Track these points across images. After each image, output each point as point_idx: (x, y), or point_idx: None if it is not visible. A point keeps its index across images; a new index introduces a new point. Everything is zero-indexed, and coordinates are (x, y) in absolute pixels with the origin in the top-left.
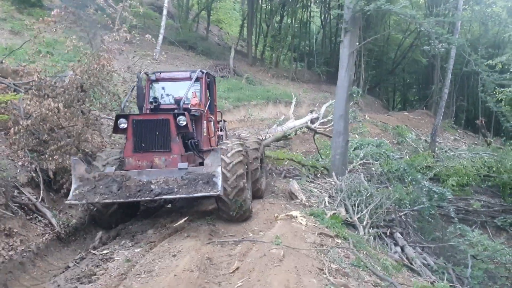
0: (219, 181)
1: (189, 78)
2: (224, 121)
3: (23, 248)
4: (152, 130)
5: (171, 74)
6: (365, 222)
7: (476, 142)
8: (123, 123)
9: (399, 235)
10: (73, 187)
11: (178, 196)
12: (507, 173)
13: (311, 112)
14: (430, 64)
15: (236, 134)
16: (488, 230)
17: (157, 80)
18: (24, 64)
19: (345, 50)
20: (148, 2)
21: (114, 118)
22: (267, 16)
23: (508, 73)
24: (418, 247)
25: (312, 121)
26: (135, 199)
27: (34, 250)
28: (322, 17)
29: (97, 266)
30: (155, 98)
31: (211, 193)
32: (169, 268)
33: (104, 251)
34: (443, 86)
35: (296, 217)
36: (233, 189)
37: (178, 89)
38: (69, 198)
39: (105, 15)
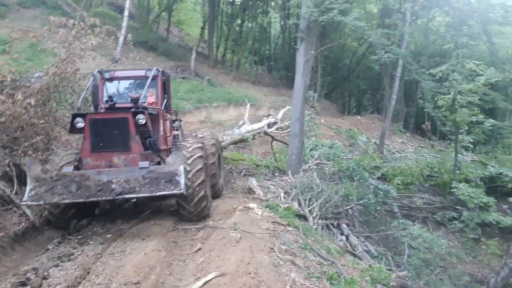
0: (181, 179)
1: (144, 77)
2: (180, 120)
3: (2, 234)
4: (110, 129)
5: (125, 73)
6: (314, 214)
7: (422, 145)
8: (80, 122)
9: (345, 226)
10: (28, 187)
11: (140, 195)
12: (447, 173)
13: (268, 116)
14: (381, 71)
15: (193, 134)
16: (429, 225)
17: (111, 79)
18: None
19: (300, 58)
20: (108, 1)
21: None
22: (228, 19)
23: (447, 81)
24: (361, 237)
25: (270, 125)
26: (96, 199)
27: (12, 236)
28: (282, 22)
29: (74, 248)
30: (110, 97)
31: (174, 192)
32: (140, 249)
33: (79, 236)
34: (391, 92)
35: (253, 208)
36: (193, 183)
37: (133, 88)
38: (24, 199)
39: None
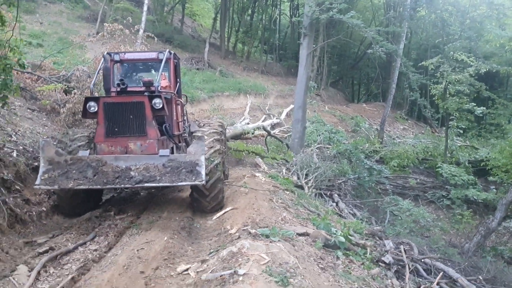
0: (202, 170)
1: (156, 59)
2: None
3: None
4: (125, 113)
5: (136, 55)
6: (310, 184)
7: (423, 132)
8: (93, 107)
9: (336, 195)
10: (41, 170)
11: (160, 184)
12: (439, 157)
13: (269, 115)
14: (388, 61)
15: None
16: (420, 203)
17: (121, 61)
18: (45, 61)
19: (303, 51)
20: None
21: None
22: (239, 11)
23: (438, 72)
24: (350, 205)
25: (273, 126)
26: (113, 186)
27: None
28: (291, 12)
29: (99, 224)
30: (122, 80)
31: (196, 183)
32: (174, 203)
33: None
34: (392, 81)
35: (258, 176)
36: (211, 177)
37: (144, 71)
38: (37, 182)
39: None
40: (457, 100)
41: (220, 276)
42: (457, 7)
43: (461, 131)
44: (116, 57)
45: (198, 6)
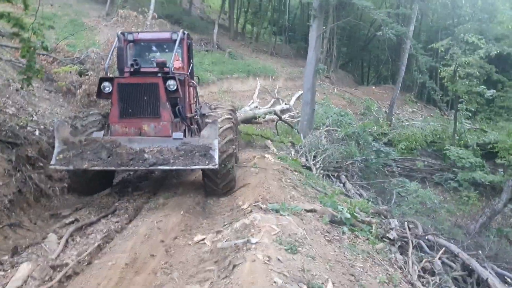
0: (216, 154)
1: (170, 39)
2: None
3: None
4: (139, 94)
5: (150, 35)
6: (317, 166)
7: (432, 115)
8: (107, 87)
9: (343, 176)
10: (56, 150)
11: (174, 167)
12: (448, 139)
13: (277, 100)
14: (398, 43)
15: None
16: (427, 185)
17: (134, 41)
18: (59, 43)
19: (313, 33)
20: None
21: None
22: None
23: (448, 54)
24: (357, 186)
25: (283, 111)
26: (127, 167)
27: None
28: None
29: (118, 200)
30: (135, 60)
31: (209, 167)
32: (188, 181)
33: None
34: (401, 64)
35: (268, 157)
36: (222, 153)
37: (158, 51)
38: (52, 162)
39: None
40: (467, 82)
41: (235, 244)
42: None
43: (470, 114)
44: (130, 37)
45: None
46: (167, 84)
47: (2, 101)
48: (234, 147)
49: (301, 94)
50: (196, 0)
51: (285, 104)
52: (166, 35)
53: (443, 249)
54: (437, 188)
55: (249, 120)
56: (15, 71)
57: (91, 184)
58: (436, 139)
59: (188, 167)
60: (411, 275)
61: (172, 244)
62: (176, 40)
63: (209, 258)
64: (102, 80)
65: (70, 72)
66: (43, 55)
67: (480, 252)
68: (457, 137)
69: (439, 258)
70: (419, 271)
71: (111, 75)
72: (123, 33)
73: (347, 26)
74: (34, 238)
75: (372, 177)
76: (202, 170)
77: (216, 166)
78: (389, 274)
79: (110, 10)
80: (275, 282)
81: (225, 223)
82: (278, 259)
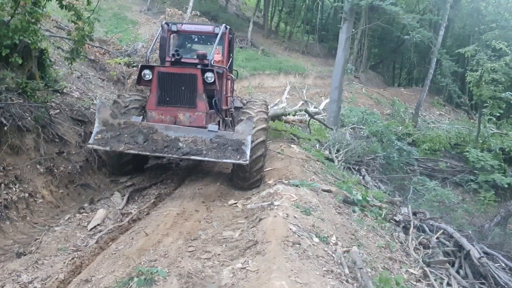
0: (248, 150)
1: (212, 33)
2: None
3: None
4: (177, 84)
5: (193, 27)
6: (340, 158)
7: (459, 118)
8: (148, 75)
9: (363, 169)
10: (95, 130)
11: (206, 159)
12: (472, 142)
13: (305, 102)
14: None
15: (239, 96)
16: (448, 185)
17: (178, 32)
18: (109, 37)
19: (343, 35)
20: None
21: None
22: None
23: (474, 60)
24: (376, 179)
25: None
26: (161, 154)
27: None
28: None
29: (164, 172)
30: (177, 50)
31: (240, 161)
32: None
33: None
34: (430, 67)
35: (293, 147)
36: (253, 153)
37: (199, 43)
38: (90, 141)
39: None
40: (492, 88)
41: (261, 205)
42: None
43: (494, 119)
44: (174, 28)
45: None
46: (205, 76)
47: (68, 87)
48: (264, 149)
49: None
50: None
51: (314, 107)
52: (209, 28)
53: (441, 230)
54: (457, 189)
55: (278, 117)
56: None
57: (124, 166)
58: (460, 142)
59: (219, 160)
60: (408, 247)
61: (211, 205)
62: (218, 33)
63: (240, 215)
64: (143, 67)
65: (120, 64)
66: (97, 47)
67: (469, 232)
68: (481, 141)
69: (437, 238)
70: (415, 245)
71: (152, 64)
72: (167, 23)
73: (378, 28)
74: (104, 194)
75: (392, 174)
76: (232, 165)
77: (247, 162)
78: (387, 243)
79: (151, 5)
80: (290, 229)
81: (253, 192)
82: (295, 217)
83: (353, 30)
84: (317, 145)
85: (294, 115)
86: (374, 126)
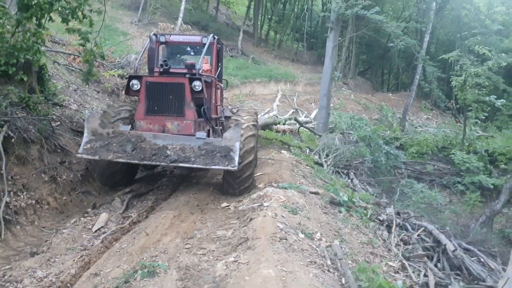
0: (236, 156)
1: (200, 43)
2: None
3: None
4: (165, 93)
5: (181, 38)
6: (329, 162)
7: (447, 122)
8: (136, 85)
9: (352, 173)
10: (84, 140)
11: (194, 165)
12: (458, 145)
13: (296, 111)
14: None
15: (230, 105)
16: (435, 187)
17: (166, 43)
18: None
19: (329, 44)
20: None
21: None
22: (271, 2)
23: (458, 65)
24: (364, 182)
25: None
26: (149, 162)
27: None
28: (323, 1)
29: (160, 179)
30: (165, 61)
31: (228, 168)
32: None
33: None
34: (416, 72)
35: (283, 152)
36: (243, 160)
37: (188, 53)
38: (80, 151)
39: None
40: (476, 92)
41: (252, 207)
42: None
43: (479, 122)
44: (162, 39)
45: None
46: (193, 84)
47: (67, 100)
48: (253, 155)
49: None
50: (222, 7)
51: (305, 116)
52: (197, 38)
53: (422, 228)
54: (445, 190)
55: (269, 126)
56: (70, 74)
57: (114, 177)
58: (447, 145)
59: (208, 167)
60: (390, 244)
61: (205, 208)
62: (206, 43)
63: (232, 216)
64: (131, 77)
65: (114, 76)
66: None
67: (447, 228)
68: (467, 144)
69: (418, 235)
70: (397, 242)
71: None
72: (155, 35)
73: (366, 35)
74: (106, 199)
75: (380, 177)
76: (223, 172)
77: (236, 168)
78: (370, 239)
79: (142, 16)
80: (278, 227)
81: (245, 195)
82: (282, 216)
83: (340, 38)
84: (307, 151)
85: (284, 124)
86: (362, 131)
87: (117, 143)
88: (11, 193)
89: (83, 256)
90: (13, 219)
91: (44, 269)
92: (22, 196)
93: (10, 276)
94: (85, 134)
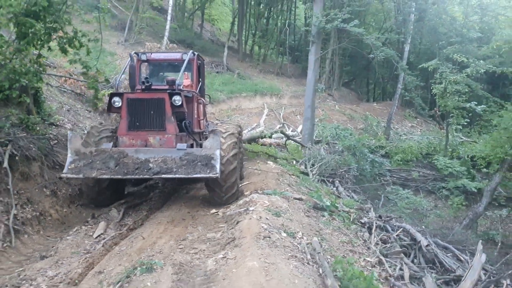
0: (217, 163)
1: (180, 60)
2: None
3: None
4: (146, 109)
5: (162, 55)
6: (314, 172)
7: (431, 129)
8: (117, 102)
9: (337, 181)
10: (68, 160)
11: (177, 176)
12: (442, 151)
13: (283, 125)
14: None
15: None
16: (421, 193)
17: (148, 61)
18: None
19: (311, 57)
20: (147, 1)
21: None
22: (255, 16)
23: (438, 73)
24: (350, 190)
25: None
26: (133, 176)
27: None
28: (306, 15)
29: (152, 191)
30: (146, 78)
31: (210, 175)
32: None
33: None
34: (398, 82)
35: (269, 163)
36: (225, 168)
37: (170, 70)
38: (64, 171)
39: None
40: (456, 98)
41: (238, 211)
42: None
43: (461, 127)
44: (143, 57)
45: (216, 10)
46: (172, 99)
47: (61, 119)
48: (236, 163)
49: None
50: (207, 24)
51: (292, 131)
52: (177, 55)
53: (401, 229)
54: (430, 196)
55: (255, 140)
56: (62, 95)
57: (101, 194)
58: (431, 151)
59: (190, 176)
60: (370, 243)
61: (196, 214)
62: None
63: (221, 220)
64: (112, 95)
65: (104, 95)
66: (81, 81)
67: (423, 226)
68: (450, 149)
69: (397, 235)
70: (376, 241)
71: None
72: (136, 53)
73: (348, 47)
74: (103, 210)
75: (366, 184)
76: (205, 181)
77: (217, 175)
78: (350, 239)
79: (128, 35)
80: (262, 227)
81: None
82: (266, 218)
83: (322, 51)
84: (294, 162)
85: (270, 137)
86: (347, 141)
87: (100, 161)
88: (18, 206)
89: (87, 258)
90: (21, 229)
91: (54, 269)
92: (27, 209)
93: (24, 275)
94: (69, 155)
